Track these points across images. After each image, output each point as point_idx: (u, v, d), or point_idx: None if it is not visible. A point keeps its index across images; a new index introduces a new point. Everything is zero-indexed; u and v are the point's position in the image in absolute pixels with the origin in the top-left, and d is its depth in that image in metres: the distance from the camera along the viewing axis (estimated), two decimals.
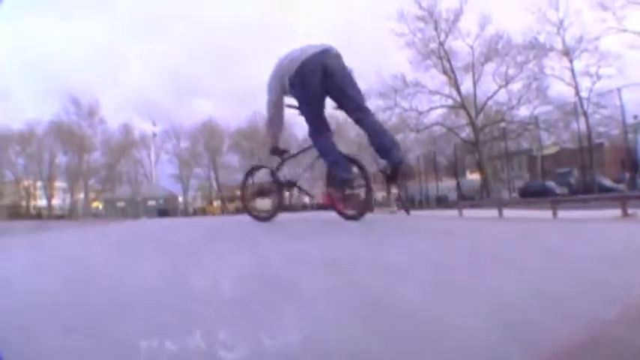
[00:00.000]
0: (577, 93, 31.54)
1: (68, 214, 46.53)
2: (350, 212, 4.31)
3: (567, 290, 1.47)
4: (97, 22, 69.43)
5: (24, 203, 49.36)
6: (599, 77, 30.85)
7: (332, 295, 1.49)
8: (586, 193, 19.53)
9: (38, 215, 45.91)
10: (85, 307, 1.45)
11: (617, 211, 9.47)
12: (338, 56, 4.15)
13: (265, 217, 4.73)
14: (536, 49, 33.53)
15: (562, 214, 10.12)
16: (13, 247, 3.82)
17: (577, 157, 27.02)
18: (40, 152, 48.04)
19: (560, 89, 33.26)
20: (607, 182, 23.84)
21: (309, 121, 4.27)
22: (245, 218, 5.08)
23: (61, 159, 49.50)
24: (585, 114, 28.58)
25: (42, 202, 50.29)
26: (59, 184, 50.69)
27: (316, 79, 4.01)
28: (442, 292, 1.49)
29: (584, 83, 31.79)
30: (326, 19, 59.01)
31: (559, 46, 32.84)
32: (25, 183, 49.12)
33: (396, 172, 3.97)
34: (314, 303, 1.41)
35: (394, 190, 15.15)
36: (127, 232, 4.13)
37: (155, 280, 1.79)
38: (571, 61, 32.47)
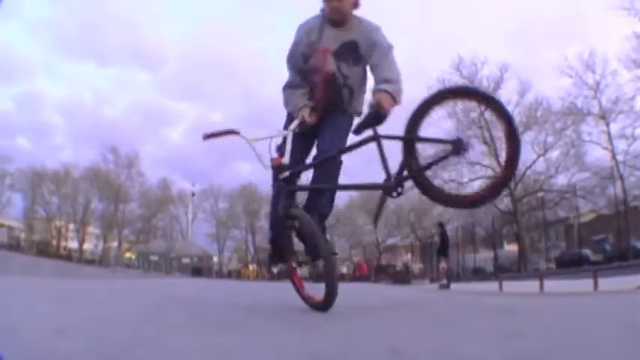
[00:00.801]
0: (613, 157, 31.28)
1: (99, 261, 46.81)
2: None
3: None
4: (140, 75, 73.47)
5: (54, 242, 49.46)
6: (634, 139, 30.83)
7: None
8: (621, 258, 19.42)
9: (68, 256, 46.05)
10: None
11: None
12: None
13: None
14: (574, 114, 33.45)
15: (600, 282, 9.76)
16: (39, 292, 3.75)
17: (613, 222, 26.82)
18: (75, 195, 48.82)
19: (597, 154, 33.12)
20: None
21: None
22: (284, 286, 4.74)
23: (96, 205, 50.15)
24: (621, 178, 28.58)
25: (73, 244, 50.49)
26: (92, 229, 51.21)
27: None
28: None
29: (621, 146, 31.59)
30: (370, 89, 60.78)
31: (596, 109, 32.81)
32: (57, 223, 49.38)
33: None
34: None
35: (443, 265, 14.75)
36: (163, 293, 3.88)
37: None
38: (607, 124, 32.33)
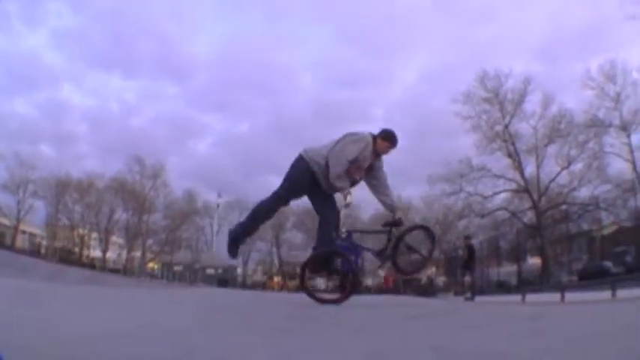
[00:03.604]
0: (634, 168, 31.20)
1: (123, 270, 46.73)
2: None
3: None
4: (167, 86, 74.40)
5: (76, 250, 49.62)
6: None
7: None
8: None
9: (91, 265, 45.94)
10: None
11: None
12: None
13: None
14: (597, 126, 33.23)
15: (619, 293, 9.78)
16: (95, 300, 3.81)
17: (635, 235, 26.68)
18: (99, 204, 48.90)
19: (618, 166, 33.02)
20: None
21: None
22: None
23: (120, 214, 50.19)
24: None
25: (95, 253, 50.76)
26: (116, 238, 51.52)
27: None
28: None
29: None
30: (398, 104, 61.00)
31: (617, 121, 32.62)
32: (81, 231, 49.60)
33: None
34: None
35: (468, 278, 15.07)
36: (202, 302, 3.86)
37: None
38: (629, 136, 32.25)
